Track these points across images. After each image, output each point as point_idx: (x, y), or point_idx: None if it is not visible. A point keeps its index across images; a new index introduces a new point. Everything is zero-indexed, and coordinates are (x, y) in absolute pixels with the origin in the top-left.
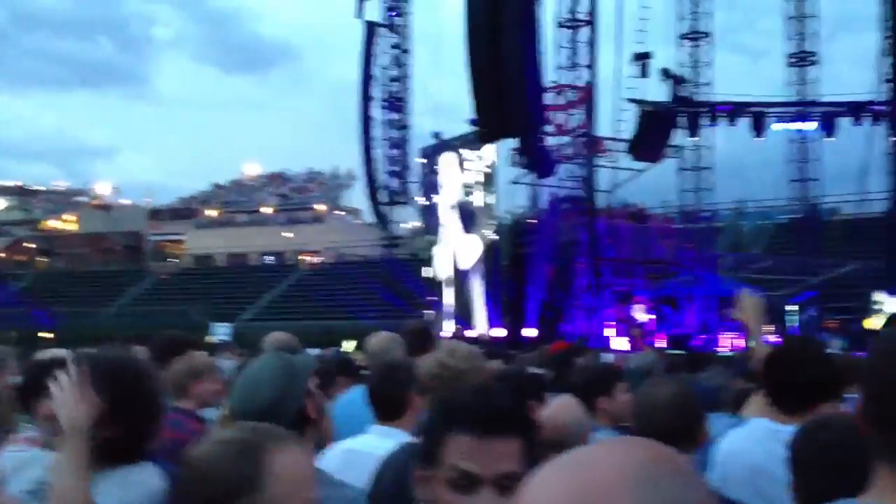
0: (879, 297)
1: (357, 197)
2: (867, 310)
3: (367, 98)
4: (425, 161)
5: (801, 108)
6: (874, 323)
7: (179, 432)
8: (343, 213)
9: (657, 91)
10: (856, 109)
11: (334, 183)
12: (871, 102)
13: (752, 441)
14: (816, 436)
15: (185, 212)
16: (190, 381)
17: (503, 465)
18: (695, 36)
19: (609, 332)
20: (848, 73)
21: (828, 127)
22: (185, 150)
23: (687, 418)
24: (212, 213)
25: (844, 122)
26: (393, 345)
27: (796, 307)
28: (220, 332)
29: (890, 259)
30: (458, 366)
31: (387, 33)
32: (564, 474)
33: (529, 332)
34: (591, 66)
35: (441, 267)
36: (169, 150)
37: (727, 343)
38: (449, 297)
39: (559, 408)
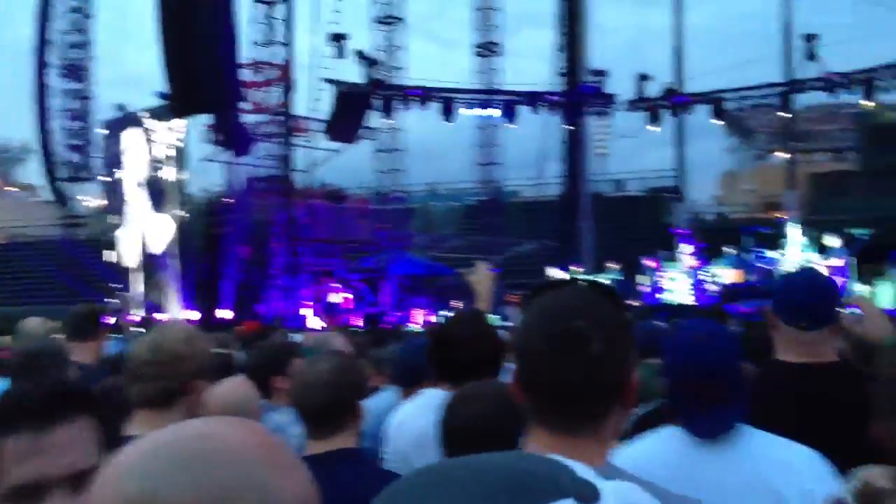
0: (553, 272)
1: (32, 172)
2: None
3: (42, 65)
4: (108, 134)
5: (485, 96)
6: None
7: None
8: (16, 189)
9: (353, 72)
10: (534, 99)
11: (5, 157)
12: (547, 93)
13: (420, 411)
14: (461, 406)
15: None
16: None
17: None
18: (389, 20)
19: (306, 312)
20: (528, 64)
21: (509, 114)
22: None
23: (343, 394)
24: None
25: (525, 111)
26: (45, 330)
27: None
28: None
29: (562, 238)
30: (174, 349)
31: None
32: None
33: (224, 314)
34: (287, 44)
35: (127, 249)
36: None
37: (419, 319)
38: (137, 280)
39: (227, 388)
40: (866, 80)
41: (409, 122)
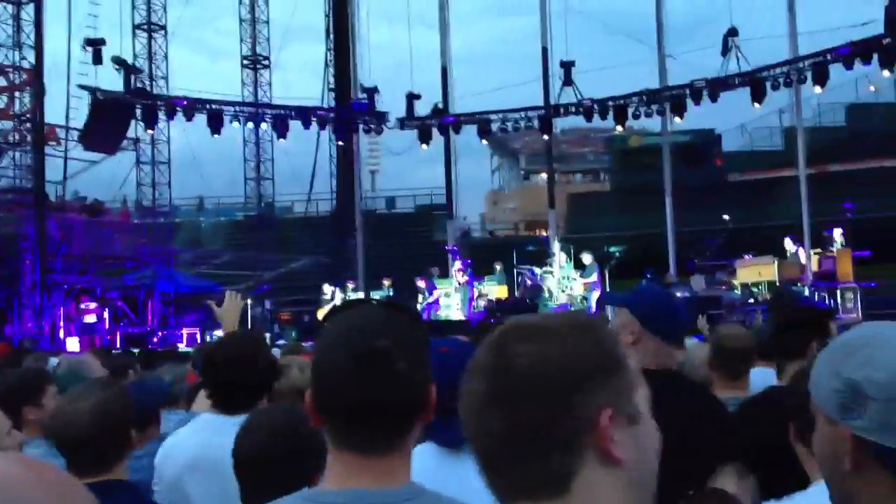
0: (327, 288)
1: None
2: (318, 301)
3: None
4: None
5: (255, 109)
6: (322, 314)
7: None
8: None
9: (112, 80)
10: (304, 114)
11: None
12: (318, 108)
13: (192, 436)
14: (251, 434)
15: None
16: None
17: None
18: (149, 28)
19: (63, 332)
20: (300, 78)
21: (280, 129)
22: None
23: (111, 425)
24: None
25: (296, 126)
26: None
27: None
28: None
29: (335, 255)
30: None
31: None
32: None
33: None
34: (36, 48)
35: None
36: None
37: (186, 338)
38: None
39: None
40: (619, 107)
41: (174, 134)
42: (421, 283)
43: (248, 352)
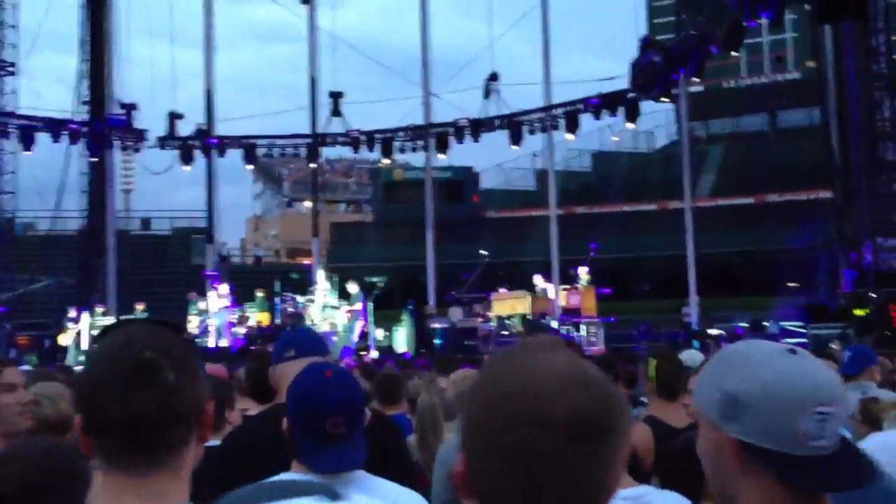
0: (71, 312)
1: None
2: (61, 325)
3: None
4: None
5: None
6: (66, 339)
7: None
8: None
9: None
10: (54, 126)
11: None
12: (70, 121)
13: None
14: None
15: None
16: None
17: None
18: None
19: None
20: (50, 89)
21: (26, 140)
22: None
23: None
24: None
25: (43, 138)
26: None
27: None
28: None
29: (82, 276)
30: None
31: None
32: None
33: None
34: None
35: None
36: None
37: None
38: None
39: None
40: (384, 140)
41: None
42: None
43: None
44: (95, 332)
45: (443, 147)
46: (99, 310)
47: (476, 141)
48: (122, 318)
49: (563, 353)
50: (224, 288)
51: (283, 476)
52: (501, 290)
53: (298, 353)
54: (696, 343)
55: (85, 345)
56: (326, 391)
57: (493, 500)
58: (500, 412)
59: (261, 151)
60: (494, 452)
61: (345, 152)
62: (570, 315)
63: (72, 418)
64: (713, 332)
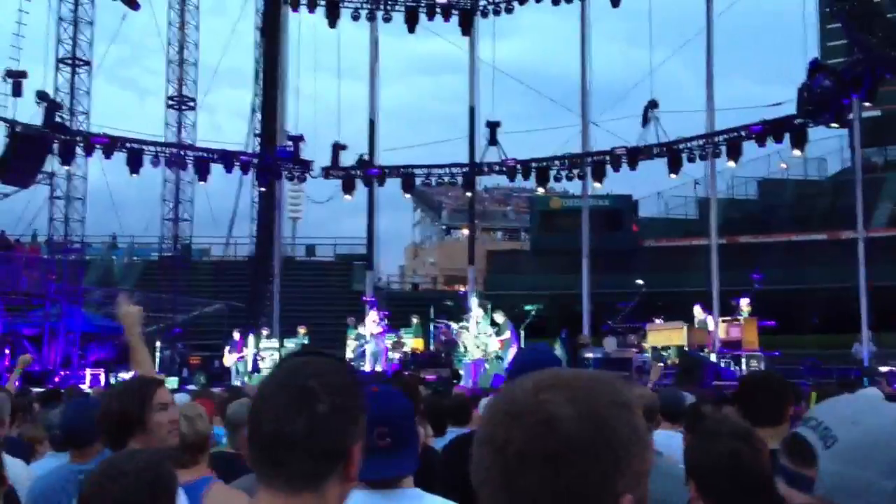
0: (235, 335)
1: None
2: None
3: None
4: None
5: (176, 150)
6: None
7: None
8: None
9: (31, 113)
10: (227, 157)
11: None
12: (242, 153)
13: None
14: (103, 483)
15: None
16: None
17: None
18: (74, 62)
19: None
20: (225, 122)
21: (201, 171)
22: None
23: None
24: None
25: (217, 169)
26: None
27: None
28: None
29: (250, 300)
30: None
31: None
32: None
33: None
34: None
35: None
36: None
37: (89, 378)
38: None
39: None
40: (540, 169)
41: (92, 171)
42: (360, 330)
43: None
44: (261, 355)
45: (599, 175)
46: (264, 332)
47: (633, 169)
48: (309, 348)
49: (548, 381)
50: (381, 314)
51: None
52: (657, 321)
53: None
54: (866, 381)
55: (251, 366)
56: (372, 406)
57: None
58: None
59: (419, 180)
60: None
61: (502, 181)
62: (730, 348)
63: (208, 437)
64: (884, 369)
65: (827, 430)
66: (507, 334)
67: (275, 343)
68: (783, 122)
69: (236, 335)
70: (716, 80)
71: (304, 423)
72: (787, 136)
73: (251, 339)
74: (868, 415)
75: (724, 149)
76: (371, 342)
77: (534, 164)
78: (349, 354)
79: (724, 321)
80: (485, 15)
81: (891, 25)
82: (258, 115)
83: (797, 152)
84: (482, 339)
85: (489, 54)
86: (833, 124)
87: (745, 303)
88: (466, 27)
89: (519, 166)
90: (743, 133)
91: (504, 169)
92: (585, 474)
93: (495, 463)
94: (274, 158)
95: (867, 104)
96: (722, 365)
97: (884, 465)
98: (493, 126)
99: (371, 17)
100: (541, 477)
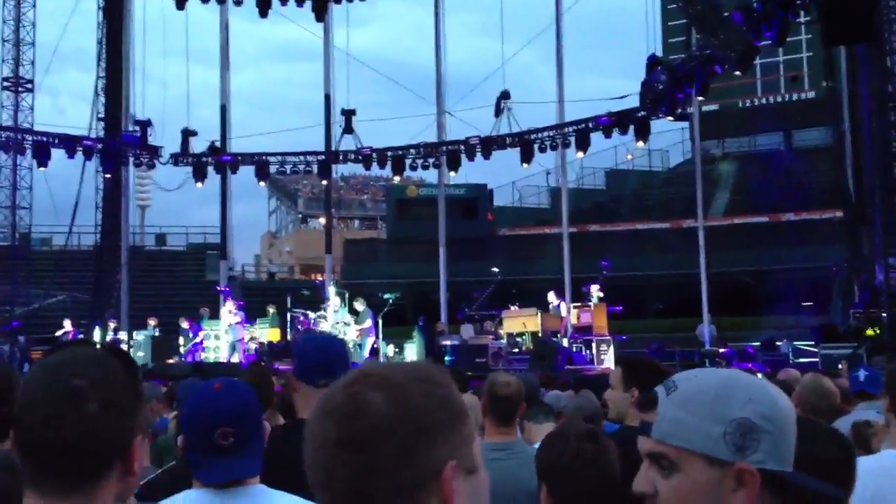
0: (66, 324)
1: None
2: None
3: None
4: None
5: (13, 134)
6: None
7: None
8: None
9: None
10: (69, 142)
11: None
12: (85, 137)
13: None
14: None
15: None
16: None
17: None
18: None
19: None
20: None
21: (41, 156)
22: None
23: None
24: None
25: (59, 154)
26: None
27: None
28: None
29: (96, 291)
30: None
31: None
32: None
33: None
34: None
35: None
36: None
37: None
38: None
39: None
40: (396, 158)
41: None
42: (185, 325)
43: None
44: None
45: (454, 164)
46: (111, 324)
47: (487, 158)
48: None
49: (357, 375)
50: (237, 304)
51: (178, 496)
52: (512, 308)
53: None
54: (707, 362)
55: None
56: (214, 404)
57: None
58: None
59: (273, 168)
60: None
61: (359, 169)
62: (581, 333)
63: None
64: (723, 350)
65: (673, 382)
66: (368, 322)
67: (124, 336)
68: (627, 114)
69: (67, 324)
70: (567, 73)
71: (73, 426)
72: (631, 128)
73: (97, 331)
74: (707, 373)
75: (573, 139)
76: (229, 332)
77: (389, 153)
78: (193, 343)
79: (575, 307)
80: (338, 1)
81: (732, 27)
82: (102, 99)
83: (640, 143)
84: (340, 327)
85: (344, 42)
86: (669, 117)
87: (595, 289)
88: (320, 13)
89: (375, 155)
90: (591, 125)
91: (360, 157)
92: (398, 447)
93: (316, 460)
94: (119, 143)
95: (701, 98)
96: (574, 350)
97: (712, 412)
98: (348, 114)
99: (221, 0)
100: (358, 462)
